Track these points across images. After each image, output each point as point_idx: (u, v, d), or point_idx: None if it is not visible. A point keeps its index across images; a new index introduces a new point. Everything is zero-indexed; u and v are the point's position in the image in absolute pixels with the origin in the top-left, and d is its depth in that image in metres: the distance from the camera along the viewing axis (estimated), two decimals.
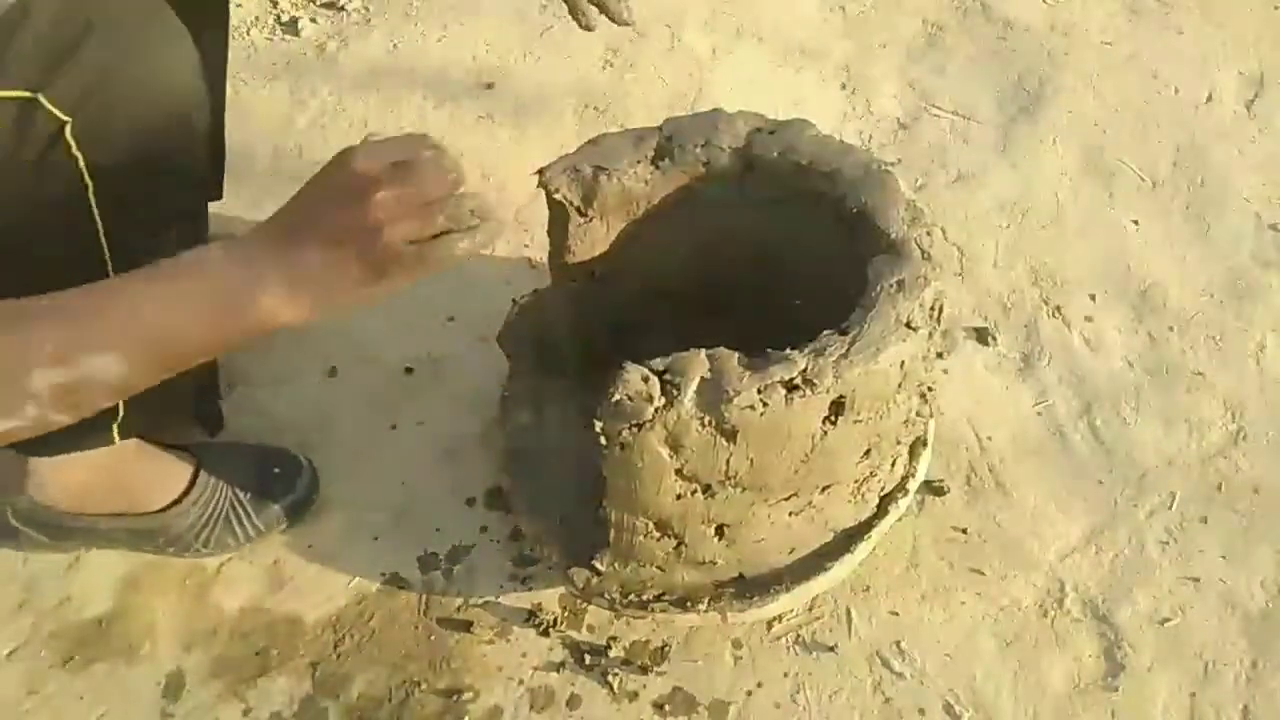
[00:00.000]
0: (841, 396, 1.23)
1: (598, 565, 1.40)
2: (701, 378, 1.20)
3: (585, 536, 1.43)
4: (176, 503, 1.49)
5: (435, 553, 1.56)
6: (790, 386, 1.20)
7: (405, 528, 1.59)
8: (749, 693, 1.44)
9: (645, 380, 1.20)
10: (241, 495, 1.51)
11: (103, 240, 1.16)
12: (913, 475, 1.50)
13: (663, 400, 1.19)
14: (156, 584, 1.54)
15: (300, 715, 1.42)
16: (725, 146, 1.42)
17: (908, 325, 1.25)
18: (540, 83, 2.23)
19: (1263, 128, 2.15)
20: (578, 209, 1.41)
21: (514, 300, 1.74)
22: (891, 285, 1.27)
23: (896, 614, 1.51)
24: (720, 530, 1.36)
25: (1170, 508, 1.62)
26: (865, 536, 1.46)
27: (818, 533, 1.44)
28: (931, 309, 1.30)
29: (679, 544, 1.37)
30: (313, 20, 2.36)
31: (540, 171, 1.42)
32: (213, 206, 2.02)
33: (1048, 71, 2.26)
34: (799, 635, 1.48)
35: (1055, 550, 1.57)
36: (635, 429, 1.19)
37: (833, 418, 1.25)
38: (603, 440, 1.22)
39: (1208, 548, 1.58)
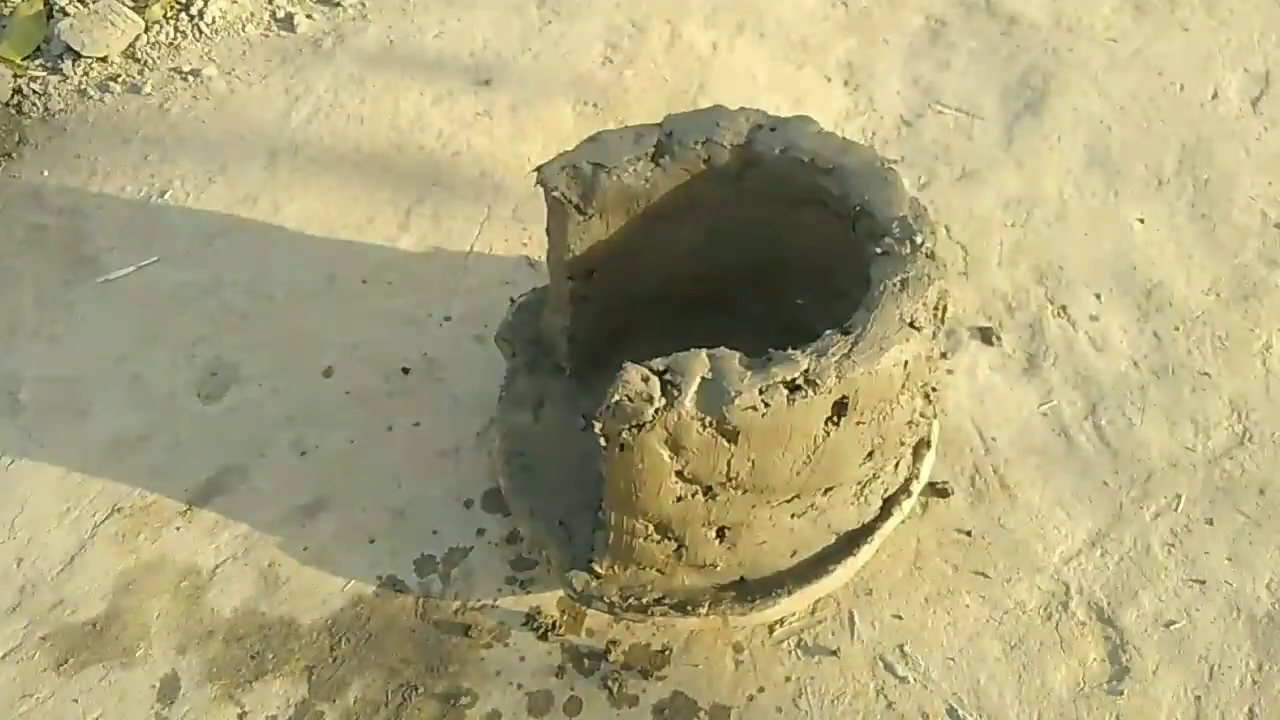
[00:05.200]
0: (844, 397, 1.22)
1: (597, 568, 1.38)
2: (702, 378, 1.18)
3: (584, 539, 1.41)
4: None
5: (432, 555, 1.55)
6: (792, 387, 1.18)
7: (402, 530, 1.57)
8: (750, 697, 1.42)
9: (645, 380, 1.18)
10: None
11: None
12: (916, 477, 1.49)
13: (663, 401, 1.17)
14: (151, 587, 1.52)
15: (296, 719, 1.40)
16: (726, 143, 1.40)
17: (911, 325, 1.24)
18: (539, 79, 2.21)
19: (1268, 125, 2.13)
20: (577, 207, 1.39)
21: (512, 299, 1.72)
22: (895, 284, 1.26)
23: (900, 617, 1.49)
24: (721, 533, 1.35)
25: (1176, 509, 1.60)
26: (868, 539, 1.44)
27: (820, 535, 1.42)
28: (935, 308, 1.28)
29: (679, 546, 1.35)
30: (309, 16, 2.34)
31: (539, 169, 1.41)
32: (210, 201, 2.01)
33: (1052, 68, 2.24)
34: (801, 639, 1.47)
35: (1060, 553, 1.56)
36: (635, 430, 1.18)
37: (835, 418, 1.23)
38: (602, 441, 1.21)
39: (1213, 550, 1.56)
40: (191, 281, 1.88)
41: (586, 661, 1.44)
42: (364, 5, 2.37)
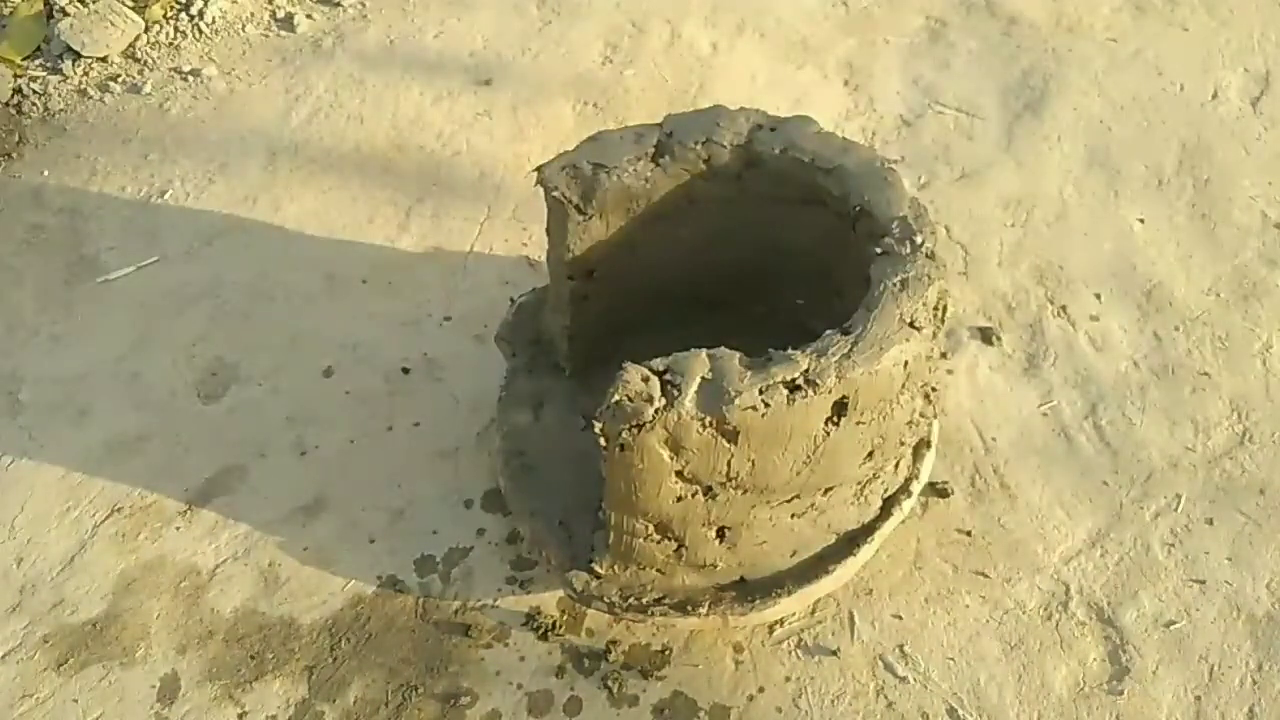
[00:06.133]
0: (844, 397, 1.21)
1: (597, 568, 1.38)
2: (702, 378, 1.18)
3: (584, 539, 1.41)
4: None
5: (432, 555, 1.55)
6: (792, 387, 1.18)
7: (402, 530, 1.57)
8: (750, 697, 1.42)
9: (645, 380, 1.18)
10: None
11: None
12: (916, 477, 1.49)
13: (663, 401, 1.17)
14: (151, 587, 1.52)
15: (296, 719, 1.40)
16: (726, 143, 1.40)
17: (911, 325, 1.24)
18: (539, 79, 2.21)
19: (1268, 125, 2.13)
20: (577, 207, 1.39)
21: (512, 299, 1.72)
22: (895, 284, 1.26)
23: (899, 617, 1.49)
24: (721, 533, 1.35)
25: (1176, 509, 1.60)
26: (868, 539, 1.44)
27: (820, 535, 1.42)
28: (935, 308, 1.28)
29: (679, 546, 1.35)
30: (309, 16, 2.34)
31: (539, 169, 1.41)
32: (210, 201, 2.01)
33: (1052, 68, 2.24)
34: (801, 639, 1.47)
35: (1060, 552, 1.56)
36: (635, 430, 1.18)
37: (835, 418, 1.23)
38: (602, 441, 1.21)
39: (1213, 550, 1.56)
40: (191, 281, 1.88)
41: (586, 661, 1.44)
42: (364, 5, 2.37)
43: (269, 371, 1.76)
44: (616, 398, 1.16)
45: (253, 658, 1.45)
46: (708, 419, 1.17)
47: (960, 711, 1.41)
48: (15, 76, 2.21)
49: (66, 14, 2.27)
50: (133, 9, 2.30)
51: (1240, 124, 2.13)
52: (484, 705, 1.41)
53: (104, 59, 2.24)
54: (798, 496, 1.33)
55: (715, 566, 1.38)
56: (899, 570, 1.53)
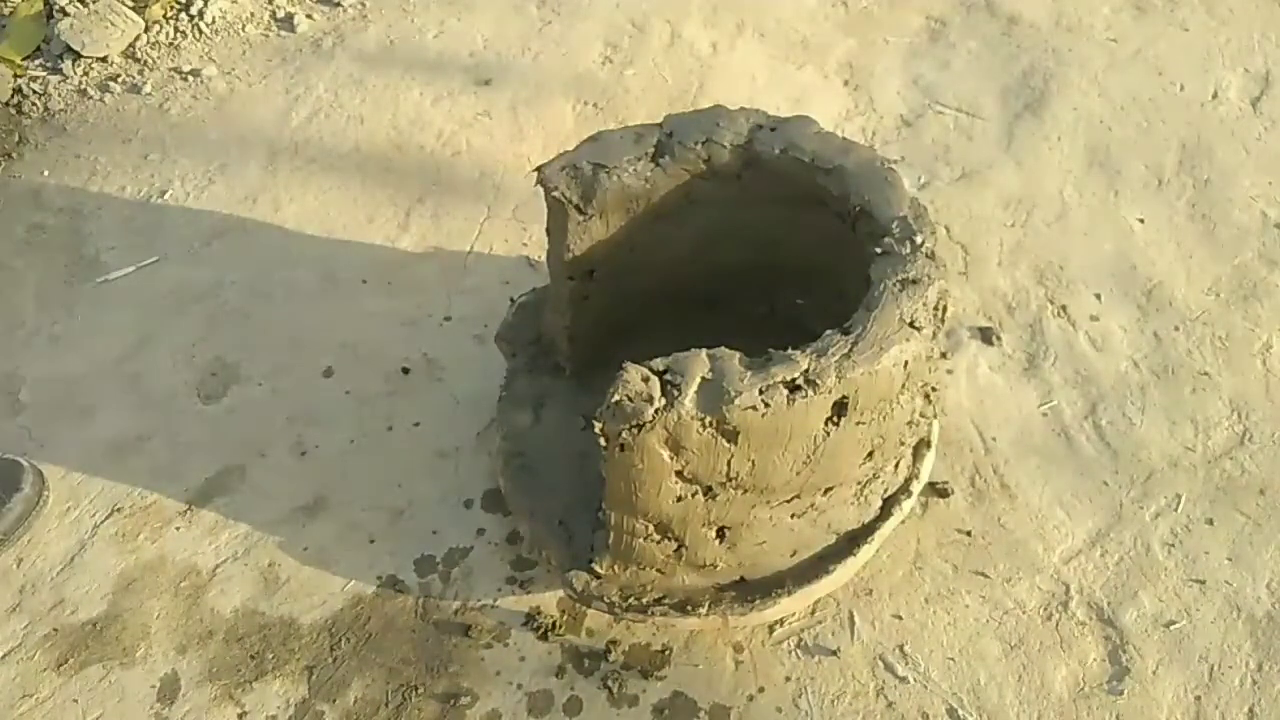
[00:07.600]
0: (844, 397, 1.21)
1: (597, 568, 1.38)
2: (702, 378, 1.18)
3: (584, 539, 1.41)
4: None
5: (432, 555, 1.55)
6: (792, 387, 1.18)
7: (402, 530, 1.57)
8: (750, 697, 1.42)
9: (645, 380, 1.18)
10: None
11: None
12: (916, 477, 1.49)
13: (663, 401, 1.17)
14: (151, 587, 1.52)
15: (296, 719, 1.40)
16: (726, 143, 1.40)
17: (911, 325, 1.24)
18: (539, 79, 2.21)
19: (1268, 125, 2.13)
20: (577, 207, 1.39)
21: (512, 299, 1.72)
22: (895, 284, 1.26)
23: (900, 617, 1.49)
24: (721, 533, 1.35)
25: (1176, 509, 1.60)
26: (868, 539, 1.44)
27: (820, 535, 1.42)
28: (935, 308, 1.28)
29: (679, 547, 1.35)
30: (309, 16, 2.34)
31: (539, 169, 1.41)
32: (210, 201, 2.01)
33: (1052, 68, 2.24)
34: (801, 639, 1.47)
35: (1060, 553, 1.56)
36: (635, 430, 1.18)
37: (835, 418, 1.23)
38: (602, 441, 1.21)
39: (1213, 550, 1.56)
40: (191, 281, 1.88)
41: (586, 661, 1.44)
42: (364, 5, 2.37)
43: (269, 371, 1.76)
44: (616, 398, 1.16)
45: (253, 658, 1.45)
46: (708, 419, 1.17)
47: (960, 711, 1.41)
48: (15, 76, 2.21)
49: (66, 14, 2.27)
50: (133, 9, 2.30)
51: (1240, 124, 2.13)
52: (484, 705, 1.41)
53: (104, 59, 2.24)
54: (798, 496, 1.33)
55: (715, 566, 1.38)
56: (899, 570, 1.53)
